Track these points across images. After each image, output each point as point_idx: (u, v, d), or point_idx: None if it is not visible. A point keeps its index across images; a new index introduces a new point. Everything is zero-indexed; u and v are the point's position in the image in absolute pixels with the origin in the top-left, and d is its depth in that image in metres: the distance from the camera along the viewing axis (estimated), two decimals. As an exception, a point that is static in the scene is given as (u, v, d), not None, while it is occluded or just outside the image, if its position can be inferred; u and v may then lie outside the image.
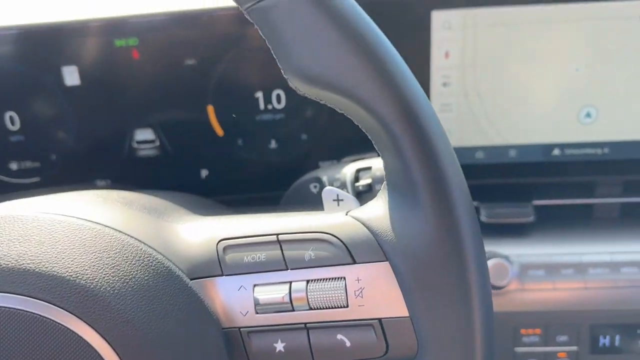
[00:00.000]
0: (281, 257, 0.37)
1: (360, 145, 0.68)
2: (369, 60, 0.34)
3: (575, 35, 0.64)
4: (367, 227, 0.37)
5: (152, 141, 0.68)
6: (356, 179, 0.56)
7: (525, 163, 0.69)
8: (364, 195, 0.55)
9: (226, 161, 0.68)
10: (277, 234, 0.38)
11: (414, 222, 0.35)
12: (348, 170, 0.57)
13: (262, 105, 0.69)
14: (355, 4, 0.35)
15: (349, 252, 0.37)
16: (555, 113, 0.67)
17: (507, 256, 0.69)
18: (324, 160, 0.71)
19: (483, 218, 0.71)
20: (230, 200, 0.69)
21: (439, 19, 0.64)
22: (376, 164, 0.58)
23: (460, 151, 0.69)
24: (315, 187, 0.56)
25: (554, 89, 0.66)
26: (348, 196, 0.45)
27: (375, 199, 0.39)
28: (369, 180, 0.54)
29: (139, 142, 0.67)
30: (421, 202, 0.35)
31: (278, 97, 0.69)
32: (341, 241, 0.37)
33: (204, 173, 0.69)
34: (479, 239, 0.36)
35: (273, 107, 0.69)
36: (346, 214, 0.39)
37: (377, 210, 0.38)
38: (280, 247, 0.37)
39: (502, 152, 0.69)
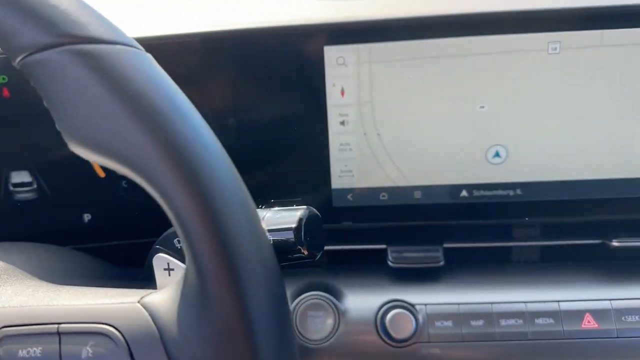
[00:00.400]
0: (57, 353, 0.32)
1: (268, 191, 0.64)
2: (145, 122, 0.29)
3: (478, 70, 0.59)
4: (155, 321, 0.32)
5: (29, 184, 0.63)
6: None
7: (432, 205, 0.65)
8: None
9: (110, 204, 0.63)
10: (58, 324, 0.33)
11: (202, 321, 0.31)
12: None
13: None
14: (141, 61, 0.31)
15: (130, 351, 0.32)
16: (461, 153, 0.62)
17: (413, 305, 0.64)
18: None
19: (390, 262, 0.67)
20: (116, 247, 0.64)
21: (332, 54, 0.59)
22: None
23: (364, 192, 0.64)
24: (178, 242, 0.51)
25: (458, 127, 0.61)
26: (179, 265, 0.40)
27: (175, 282, 0.35)
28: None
29: (15, 185, 0.63)
30: (209, 298, 0.30)
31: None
32: (123, 337, 0.32)
33: (87, 217, 0.64)
34: (282, 343, 0.31)
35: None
36: (140, 300, 0.34)
37: (169, 299, 0.33)
38: (59, 339, 0.33)
39: (406, 193, 0.64)
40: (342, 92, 0.60)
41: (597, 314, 0.62)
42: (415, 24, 0.58)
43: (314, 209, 0.46)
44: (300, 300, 0.65)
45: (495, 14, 0.57)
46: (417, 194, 0.64)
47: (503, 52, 0.58)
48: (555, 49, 0.57)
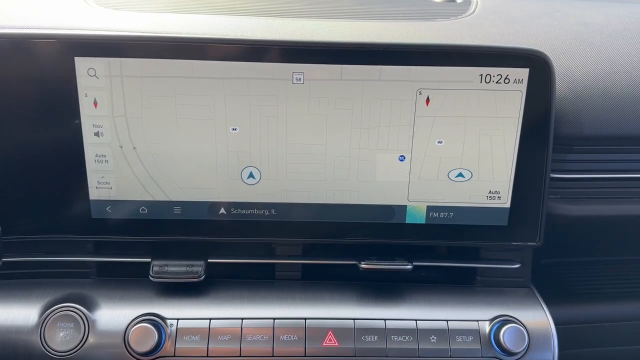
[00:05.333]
0: None
1: None
2: None
3: (228, 94, 0.61)
4: None
5: None
6: None
7: (192, 220, 0.66)
8: None
9: None
10: None
11: None
12: None
13: None
14: None
15: None
16: (218, 172, 0.64)
17: (165, 319, 0.65)
18: None
19: (151, 276, 0.67)
20: None
21: (84, 65, 0.59)
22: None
23: (123, 205, 0.65)
24: None
25: (213, 147, 0.63)
26: None
27: None
28: None
29: None
30: None
31: None
32: None
33: None
34: None
35: None
36: None
37: None
38: None
39: (166, 208, 0.65)
40: (95, 104, 0.60)
41: (339, 332, 0.66)
42: (162, 44, 0.59)
43: None
44: (51, 312, 0.64)
45: (244, 41, 0.60)
46: (177, 210, 0.65)
47: (252, 79, 0.60)
48: (300, 79, 0.60)
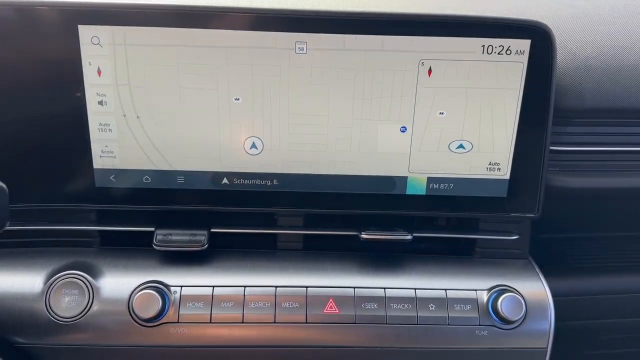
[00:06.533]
0: None
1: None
2: None
3: (231, 63, 0.61)
4: None
5: None
6: None
7: (196, 190, 0.67)
8: None
9: None
10: None
11: None
12: None
13: None
14: None
15: None
16: (221, 142, 0.64)
17: (169, 286, 0.66)
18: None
19: (155, 245, 0.68)
20: None
21: (87, 34, 0.59)
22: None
23: (126, 174, 0.65)
24: None
25: (216, 117, 0.63)
26: None
27: None
28: None
29: None
30: None
31: None
32: None
33: None
34: None
35: None
36: None
37: None
38: None
39: (169, 177, 0.66)
40: (99, 72, 0.61)
41: (340, 299, 0.67)
42: (166, 12, 0.59)
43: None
44: (56, 279, 0.65)
45: (247, 10, 0.60)
46: (181, 179, 0.66)
47: (255, 48, 0.61)
48: (302, 49, 0.61)
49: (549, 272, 0.72)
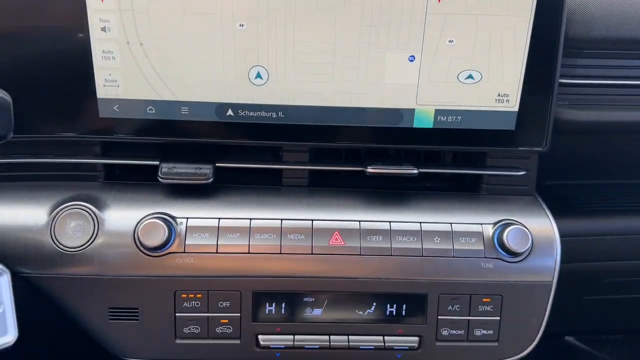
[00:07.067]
0: None
1: None
2: None
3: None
4: None
5: None
6: None
7: (200, 122, 0.66)
8: None
9: None
10: None
11: None
12: None
13: None
14: None
15: None
16: (225, 71, 0.63)
17: (174, 217, 0.66)
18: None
19: (160, 177, 0.67)
20: None
21: (89, -46, 0.59)
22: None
23: (130, 104, 0.65)
24: None
25: (219, 44, 0.62)
26: None
27: None
28: None
29: None
30: None
31: None
32: None
33: None
34: None
35: None
36: None
37: None
38: None
39: (173, 108, 0.65)
40: (102, -4, 0.60)
41: (345, 232, 0.67)
42: None
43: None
44: (61, 209, 0.65)
45: None
46: (185, 110, 0.65)
47: (260, -29, 0.59)
48: (309, -28, 0.59)
49: (555, 214, 0.72)
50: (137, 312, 0.66)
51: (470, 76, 0.64)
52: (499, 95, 0.65)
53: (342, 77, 0.64)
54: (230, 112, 0.65)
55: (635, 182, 0.87)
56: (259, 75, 0.64)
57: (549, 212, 0.69)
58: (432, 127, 0.66)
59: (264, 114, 0.66)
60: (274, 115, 0.66)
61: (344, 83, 0.64)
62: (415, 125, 0.66)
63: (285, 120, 0.66)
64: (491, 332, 0.68)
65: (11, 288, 0.52)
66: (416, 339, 0.68)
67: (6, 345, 0.49)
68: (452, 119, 0.66)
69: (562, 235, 0.70)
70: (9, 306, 0.50)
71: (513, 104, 0.65)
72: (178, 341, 0.67)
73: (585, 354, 1.55)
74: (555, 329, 1.00)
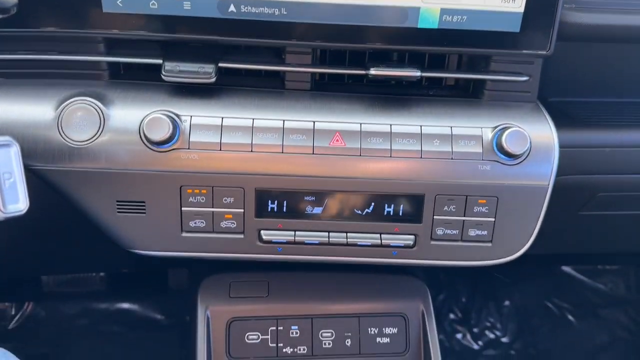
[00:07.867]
0: None
1: None
2: None
3: None
4: None
5: None
6: None
7: (202, 18, 0.65)
8: None
9: None
10: None
11: None
12: None
13: None
14: None
15: None
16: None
17: (179, 115, 0.67)
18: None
19: (163, 75, 0.67)
20: None
21: None
22: None
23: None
24: None
25: None
26: None
27: None
28: None
29: None
30: None
31: None
32: None
33: None
34: None
35: None
36: None
37: None
38: None
39: (175, 3, 0.65)
40: None
41: (346, 134, 0.68)
42: None
43: None
44: (68, 103, 0.66)
45: None
46: (187, 5, 0.65)
47: None
48: None
49: (555, 124, 0.72)
50: (144, 205, 0.68)
51: (477, -27, 0.63)
52: (505, -6, 0.64)
53: (347, -27, 0.63)
54: (232, 8, 0.65)
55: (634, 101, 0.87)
56: (262, -31, 0.63)
57: (549, 118, 0.70)
58: (437, 27, 0.66)
59: (266, 10, 0.65)
60: (277, 12, 0.65)
61: (348, -21, 0.63)
62: (420, 25, 0.66)
63: (288, 18, 0.65)
64: (485, 232, 0.70)
65: (21, 159, 0.54)
66: (412, 237, 0.70)
67: (19, 213, 0.52)
68: (458, 18, 0.65)
69: (561, 146, 0.70)
70: (19, 177, 0.52)
71: (519, 5, 0.64)
72: (184, 234, 0.70)
73: (581, 283, 1.61)
74: (551, 249, 1.02)
